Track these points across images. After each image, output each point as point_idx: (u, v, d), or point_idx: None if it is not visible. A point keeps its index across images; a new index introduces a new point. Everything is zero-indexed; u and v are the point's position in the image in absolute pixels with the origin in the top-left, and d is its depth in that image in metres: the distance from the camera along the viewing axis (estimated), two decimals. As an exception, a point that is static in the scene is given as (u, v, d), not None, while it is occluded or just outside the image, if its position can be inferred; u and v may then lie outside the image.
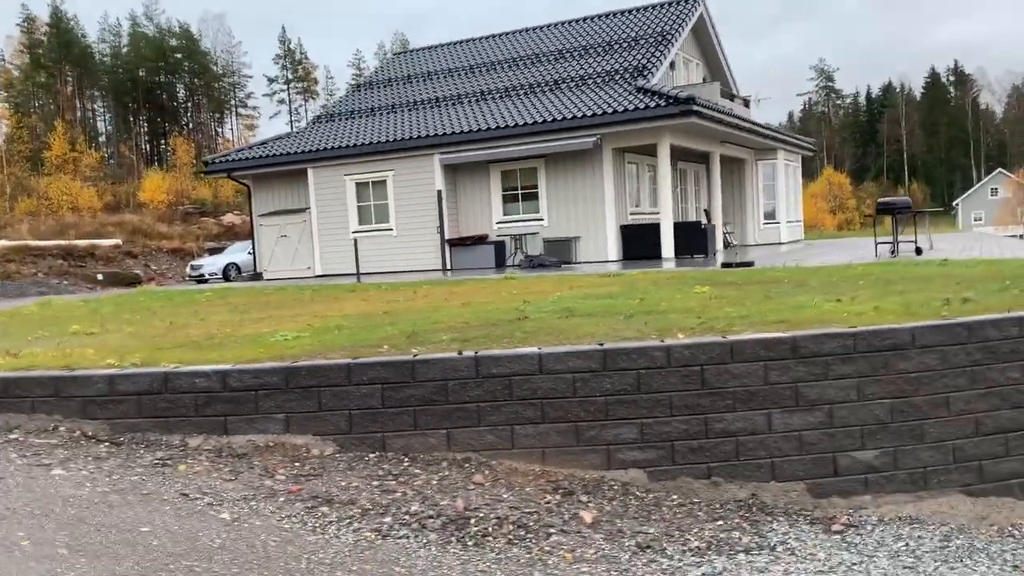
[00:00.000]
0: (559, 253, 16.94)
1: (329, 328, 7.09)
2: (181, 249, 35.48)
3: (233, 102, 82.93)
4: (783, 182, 22.39)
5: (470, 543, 4.01)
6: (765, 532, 4.48)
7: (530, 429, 5.05)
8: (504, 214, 18.24)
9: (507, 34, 24.06)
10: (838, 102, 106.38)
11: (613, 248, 16.92)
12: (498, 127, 17.50)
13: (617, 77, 18.84)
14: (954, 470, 5.14)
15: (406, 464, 4.95)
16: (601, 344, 5.18)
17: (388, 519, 4.20)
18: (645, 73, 18.47)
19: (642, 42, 20.22)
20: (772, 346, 5.05)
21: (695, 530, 4.41)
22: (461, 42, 24.95)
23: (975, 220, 73.22)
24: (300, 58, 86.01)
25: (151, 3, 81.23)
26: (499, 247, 17.62)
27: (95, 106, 76.89)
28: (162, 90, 77.33)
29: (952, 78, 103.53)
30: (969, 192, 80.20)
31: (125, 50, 76.68)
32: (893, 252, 12.88)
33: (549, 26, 23.48)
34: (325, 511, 4.25)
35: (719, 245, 19.52)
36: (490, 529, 4.16)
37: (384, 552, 3.85)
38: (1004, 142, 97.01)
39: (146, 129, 78.54)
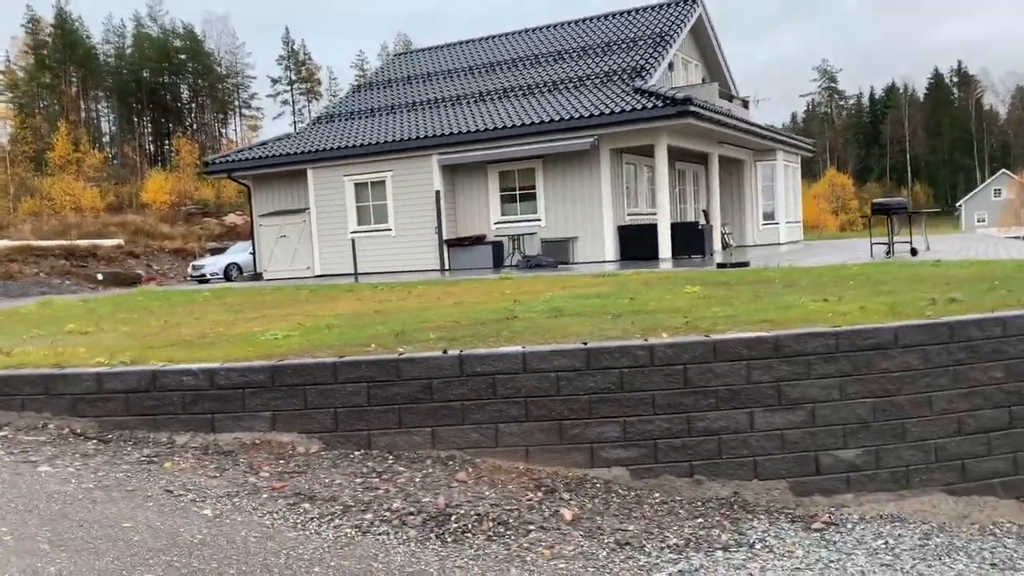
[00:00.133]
0: (557, 253, 16.98)
1: (319, 327, 7.14)
2: (183, 249, 35.60)
3: (237, 103, 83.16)
4: (782, 183, 22.39)
5: (449, 539, 4.05)
6: (745, 530, 4.51)
7: (514, 427, 5.08)
8: (502, 214, 18.28)
9: (507, 35, 24.11)
10: (841, 103, 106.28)
11: (610, 248, 16.96)
12: (496, 128, 17.54)
13: (615, 78, 18.87)
14: (936, 469, 5.16)
15: (390, 462, 4.99)
16: (585, 343, 5.22)
17: (369, 516, 4.23)
18: (643, 74, 18.50)
19: (640, 43, 20.25)
20: (755, 345, 5.08)
21: (675, 527, 4.44)
22: (461, 43, 25.01)
23: (978, 221, 73.09)
24: (303, 59, 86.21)
25: (155, 4, 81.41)
26: (497, 247, 17.66)
27: (99, 107, 77.15)
28: (166, 91, 77.54)
29: (955, 79, 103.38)
30: (972, 193, 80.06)
31: (129, 51, 76.91)
32: (888, 253, 12.89)
33: (548, 27, 23.52)
34: (307, 508, 4.29)
35: (717, 246, 19.54)
36: (470, 526, 4.19)
37: (363, 548, 3.89)
38: (1008, 143, 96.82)
39: (150, 130, 78.77)
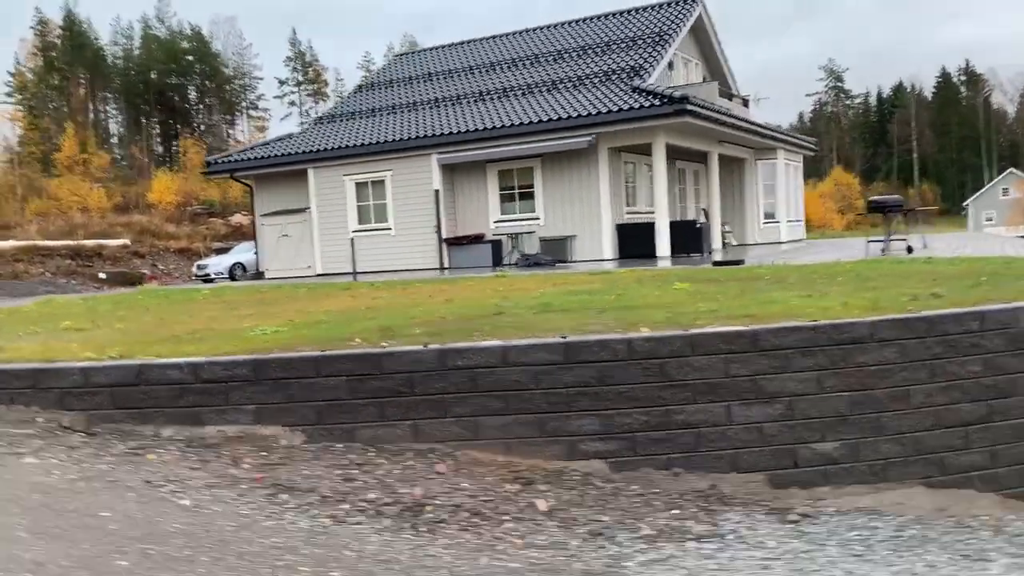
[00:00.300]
0: (555, 252, 17.03)
1: (309, 323, 7.21)
2: (188, 249, 35.79)
3: (244, 104, 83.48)
4: (783, 182, 22.38)
5: (423, 529, 4.11)
6: (719, 521, 4.55)
7: (494, 420, 5.14)
8: (501, 213, 18.35)
9: (508, 35, 24.17)
10: (848, 102, 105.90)
11: (609, 247, 17.00)
12: (495, 127, 17.61)
13: (614, 77, 18.91)
14: (914, 462, 5.20)
15: (371, 454, 5.06)
16: (564, 337, 5.27)
17: (345, 506, 4.30)
18: (641, 73, 18.53)
19: (639, 42, 20.28)
20: (732, 339, 5.12)
21: (649, 519, 4.49)
22: (462, 43, 25.10)
23: (986, 220, 72.71)
24: (310, 60, 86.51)
25: (163, 6, 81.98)
26: (496, 246, 17.72)
27: (107, 108, 77.61)
28: (174, 92, 77.91)
29: (963, 78, 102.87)
30: (980, 192, 79.65)
31: (137, 52, 77.34)
32: (884, 251, 12.89)
33: (549, 27, 23.58)
34: (285, 498, 4.36)
35: (716, 244, 19.55)
36: (445, 516, 4.25)
37: (337, 537, 3.95)
38: (1016, 142, 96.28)
39: (158, 131, 79.17)
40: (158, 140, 78.92)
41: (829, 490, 5.11)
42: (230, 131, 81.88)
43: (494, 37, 24.44)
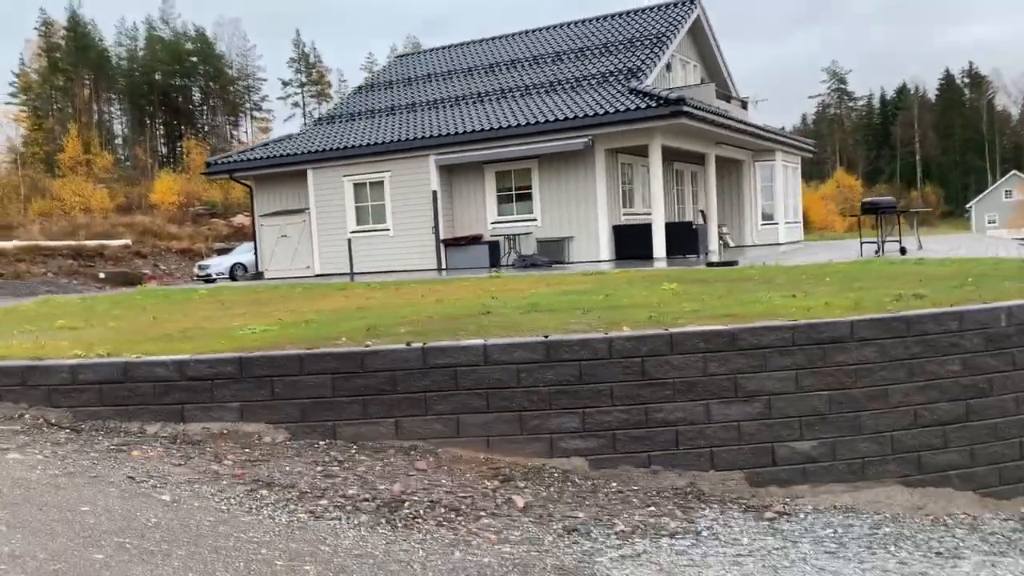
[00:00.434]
0: (552, 253, 17.08)
1: (298, 322, 7.27)
2: (190, 250, 35.91)
3: (248, 105, 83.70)
4: (781, 183, 22.40)
5: (399, 524, 4.15)
6: (695, 518, 4.59)
7: (476, 418, 5.19)
8: (499, 214, 18.40)
9: (506, 37, 24.23)
10: (851, 104, 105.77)
11: (605, 248, 17.04)
12: (492, 128, 17.66)
13: (611, 79, 18.96)
14: (892, 461, 5.23)
15: (353, 451, 5.11)
16: (545, 336, 5.32)
17: (324, 501, 4.35)
18: (639, 74, 18.57)
19: (637, 44, 20.32)
20: (711, 339, 5.16)
21: (625, 515, 4.53)
22: (461, 44, 25.17)
23: (989, 223, 72.57)
24: (314, 62, 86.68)
25: (167, 7, 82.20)
26: (493, 247, 17.77)
27: (112, 109, 77.86)
28: (178, 93, 78.15)
29: (967, 80, 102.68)
30: (983, 195, 79.50)
31: (141, 53, 77.58)
32: (878, 252, 12.91)
33: (547, 28, 23.64)
34: (264, 494, 4.41)
35: (712, 245, 19.57)
36: (422, 512, 4.30)
37: (314, 532, 3.99)
38: (1020, 144, 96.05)
39: (162, 132, 79.40)
40: (162, 141, 79.13)
41: (807, 488, 5.15)
42: (234, 132, 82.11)
43: (493, 38, 24.51)
